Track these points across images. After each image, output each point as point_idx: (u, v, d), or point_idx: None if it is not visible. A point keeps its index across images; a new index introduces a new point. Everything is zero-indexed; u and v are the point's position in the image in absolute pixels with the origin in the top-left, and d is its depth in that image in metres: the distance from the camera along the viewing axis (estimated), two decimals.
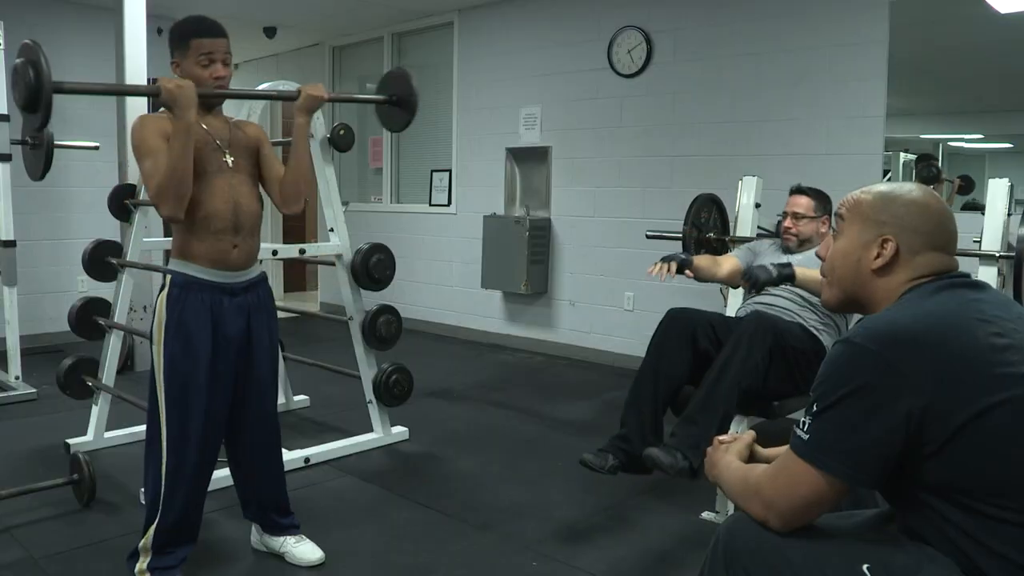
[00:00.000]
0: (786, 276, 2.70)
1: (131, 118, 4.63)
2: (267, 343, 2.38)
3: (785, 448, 1.32)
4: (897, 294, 1.33)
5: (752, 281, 2.72)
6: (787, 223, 3.06)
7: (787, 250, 3.07)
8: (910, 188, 1.38)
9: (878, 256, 1.35)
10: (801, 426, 1.27)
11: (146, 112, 4.66)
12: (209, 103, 2.26)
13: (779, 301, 2.91)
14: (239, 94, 2.22)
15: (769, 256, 3.04)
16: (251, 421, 2.39)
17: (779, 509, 1.28)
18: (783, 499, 1.27)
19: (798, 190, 3.09)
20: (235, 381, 2.31)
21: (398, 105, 2.88)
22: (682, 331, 2.72)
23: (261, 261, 2.46)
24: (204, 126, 2.22)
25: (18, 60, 2.08)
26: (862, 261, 1.37)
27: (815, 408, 1.25)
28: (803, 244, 3.03)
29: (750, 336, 2.55)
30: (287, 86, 3.42)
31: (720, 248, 3.51)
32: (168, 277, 2.23)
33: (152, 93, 2.07)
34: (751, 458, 1.51)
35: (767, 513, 1.29)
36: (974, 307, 1.25)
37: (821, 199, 3.05)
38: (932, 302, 1.26)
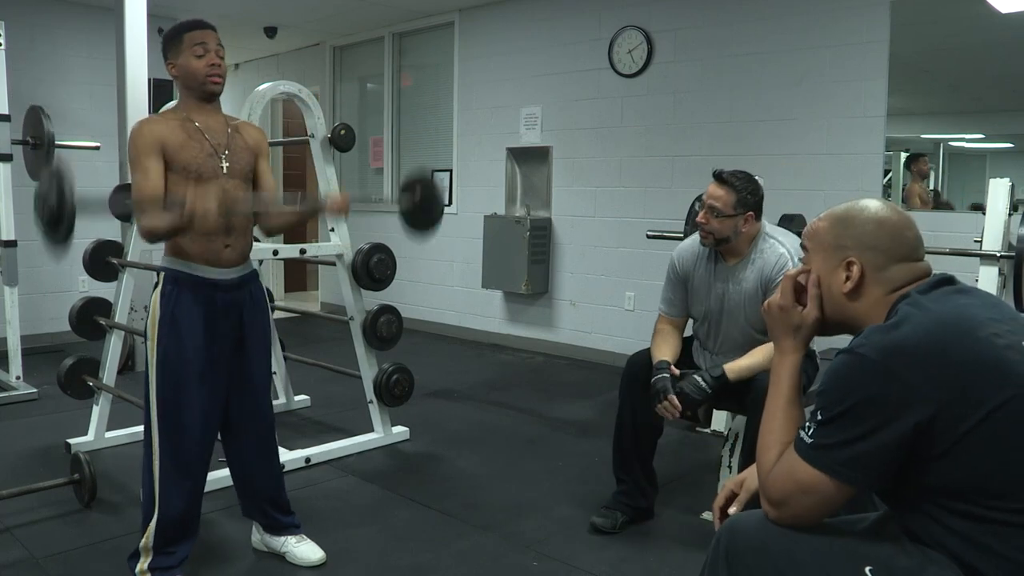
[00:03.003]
0: (722, 383, 2.51)
1: (132, 118, 4.64)
2: (260, 339, 2.39)
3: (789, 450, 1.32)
4: (880, 307, 1.34)
5: (688, 404, 2.51)
6: (701, 217, 2.63)
7: (717, 258, 2.69)
8: (864, 206, 1.39)
9: (847, 279, 1.36)
10: (806, 430, 1.27)
11: (147, 114, 4.69)
12: (206, 100, 2.27)
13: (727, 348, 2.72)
14: (274, 210, 2.29)
15: (701, 280, 2.73)
16: (246, 417, 2.40)
17: (792, 515, 1.29)
18: (793, 505, 1.28)
19: (719, 177, 2.62)
20: (229, 378, 2.32)
21: (422, 211, 2.78)
22: (645, 376, 2.64)
23: (261, 262, 2.47)
24: (200, 128, 2.24)
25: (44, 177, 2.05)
26: (833, 287, 1.38)
27: (820, 416, 1.25)
28: (721, 243, 2.64)
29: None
30: (288, 87, 3.44)
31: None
32: (161, 274, 2.25)
33: (181, 215, 2.04)
34: None
35: (780, 515, 1.30)
36: (968, 311, 1.26)
37: (745, 191, 2.58)
38: (928, 309, 1.26)
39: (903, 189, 4.37)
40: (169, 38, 2.25)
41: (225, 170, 2.26)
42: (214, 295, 2.25)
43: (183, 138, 2.20)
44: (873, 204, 1.39)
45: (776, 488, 1.30)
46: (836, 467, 1.23)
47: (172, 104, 2.43)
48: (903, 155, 4.38)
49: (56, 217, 2.02)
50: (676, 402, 2.50)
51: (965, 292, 1.32)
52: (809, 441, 1.26)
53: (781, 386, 1.42)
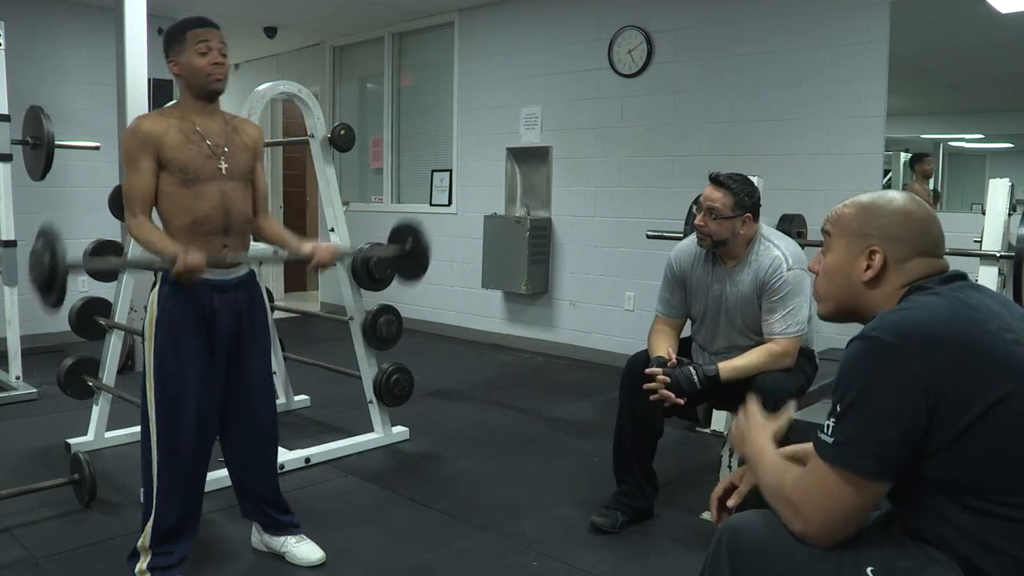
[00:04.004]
0: (713, 380, 2.51)
1: (132, 118, 4.64)
2: (259, 340, 2.39)
3: (810, 448, 1.30)
4: (894, 299, 1.34)
5: (677, 393, 2.49)
6: (699, 220, 2.64)
7: (715, 259, 2.71)
8: (891, 197, 1.39)
9: (868, 268, 1.36)
10: (825, 430, 1.26)
11: (147, 113, 4.69)
12: (207, 99, 2.26)
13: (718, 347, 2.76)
14: (254, 257, 2.31)
15: (699, 281, 2.75)
16: (244, 419, 2.40)
17: (818, 524, 1.26)
18: (821, 514, 1.25)
19: (716, 180, 2.63)
20: (227, 379, 2.32)
21: (412, 257, 2.97)
22: (645, 377, 2.59)
23: (261, 262, 2.46)
24: (199, 130, 2.22)
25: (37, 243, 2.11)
26: (853, 275, 1.38)
27: (838, 408, 1.24)
28: (718, 245, 2.64)
29: None
30: (288, 87, 3.44)
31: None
32: (159, 274, 2.24)
33: (165, 266, 2.12)
34: (786, 439, 1.49)
35: (806, 528, 1.27)
36: (981, 304, 1.27)
37: (742, 194, 2.59)
38: (941, 300, 1.27)
39: (903, 188, 4.37)
40: (171, 35, 2.23)
41: (224, 171, 2.25)
42: (212, 296, 2.25)
43: (180, 139, 2.18)
44: (900, 196, 1.40)
45: (802, 502, 1.27)
46: (860, 462, 1.21)
47: (172, 103, 2.40)
48: (903, 155, 4.38)
49: (48, 282, 2.06)
50: (658, 372, 2.50)
51: (977, 288, 1.33)
52: (830, 440, 1.24)
53: (765, 460, 1.42)
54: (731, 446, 1.52)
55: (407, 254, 2.82)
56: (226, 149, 2.26)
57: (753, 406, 1.52)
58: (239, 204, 2.28)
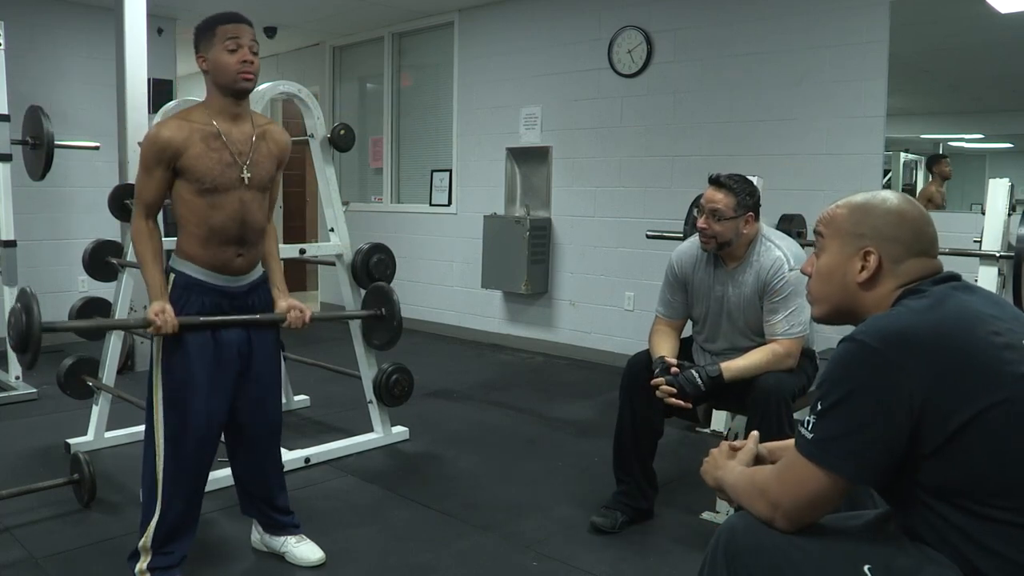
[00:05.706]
0: (716, 381, 2.51)
1: (132, 118, 4.65)
2: (269, 345, 2.39)
3: (790, 444, 1.32)
4: (889, 301, 1.34)
5: (683, 398, 2.50)
6: (702, 222, 2.63)
7: (717, 261, 2.72)
8: (884, 197, 1.39)
9: (862, 269, 1.35)
10: (806, 425, 1.27)
11: (146, 114, 4.69)
12: (235, 97, 2.19)
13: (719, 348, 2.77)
14: (226, 321, 2.24)
15: (701, 283, 2.75)
16: (252, 422, 2.40)
17: (785, 508, 1.28)
18: (789, 498, 1.28)
19: (716, 181, 2.63)
20: (236, 382, 2.31)
21: (382, 320, 2.96)
22: (645, 377, 2.60)
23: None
24: (224, 136, 2.17)
25: (17, 305, 2.17)
26: (847, 276, 1.37)
27: (819, 407, 1.25)
28: (723, 247, 2.64)
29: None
30: (288, 87, 3.44)
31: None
32: (172, 276, 2.23)
33: (139, 326, 2.20)
34: (756, 459, 1.51)
35: (773, 513, 1.30)
36: (970, 307, 1.26)
37: (743, 193, 2.59)
38: (932, 303, 1.27)
39: (902, 188, 4.37)
40: (201, 30, 2.17)
41: (246, 181, 2.20)
42: (222, 302, 2.24)
43: (202, 148, 2.13)
44: (893, 196, 1.39)
45: (776, 489, 1.30)
46: (837, 462, 1.22)
47: (198, 101, 2.30)
48: (903, 155, 4.38)
49: (24, 343, 2.14)
50: (670, 390, 2.51)
51: (969, 290, 1.32)
52: (810, 437, 1.25)
53: (735, 472, 1.44)
54: (702, 475, 1.54)
55: (379, 317, 2.83)
56: (250, 157, 2.21)
57: (724, 444, 1.54)
58: (256, 214, 2.25)
